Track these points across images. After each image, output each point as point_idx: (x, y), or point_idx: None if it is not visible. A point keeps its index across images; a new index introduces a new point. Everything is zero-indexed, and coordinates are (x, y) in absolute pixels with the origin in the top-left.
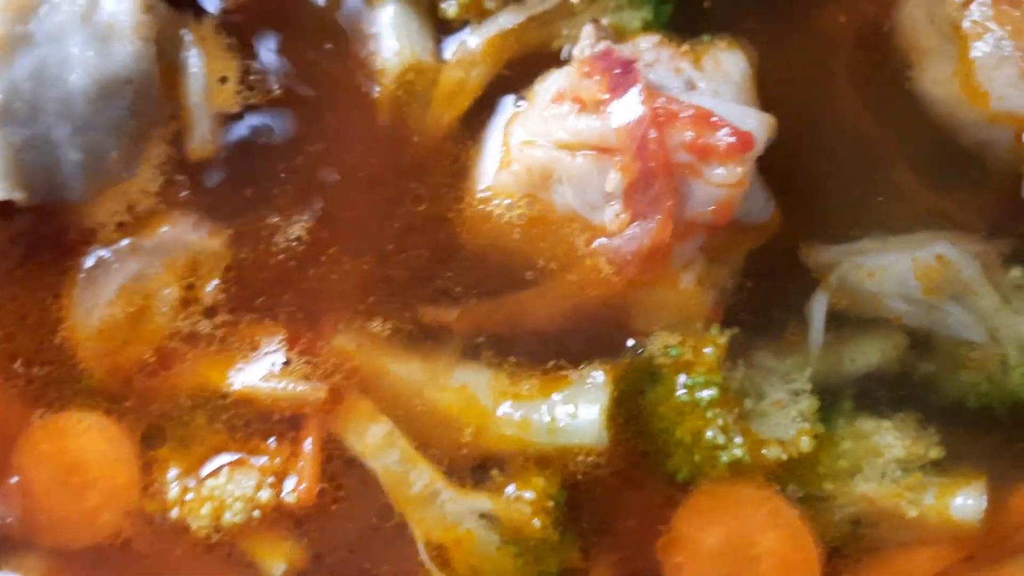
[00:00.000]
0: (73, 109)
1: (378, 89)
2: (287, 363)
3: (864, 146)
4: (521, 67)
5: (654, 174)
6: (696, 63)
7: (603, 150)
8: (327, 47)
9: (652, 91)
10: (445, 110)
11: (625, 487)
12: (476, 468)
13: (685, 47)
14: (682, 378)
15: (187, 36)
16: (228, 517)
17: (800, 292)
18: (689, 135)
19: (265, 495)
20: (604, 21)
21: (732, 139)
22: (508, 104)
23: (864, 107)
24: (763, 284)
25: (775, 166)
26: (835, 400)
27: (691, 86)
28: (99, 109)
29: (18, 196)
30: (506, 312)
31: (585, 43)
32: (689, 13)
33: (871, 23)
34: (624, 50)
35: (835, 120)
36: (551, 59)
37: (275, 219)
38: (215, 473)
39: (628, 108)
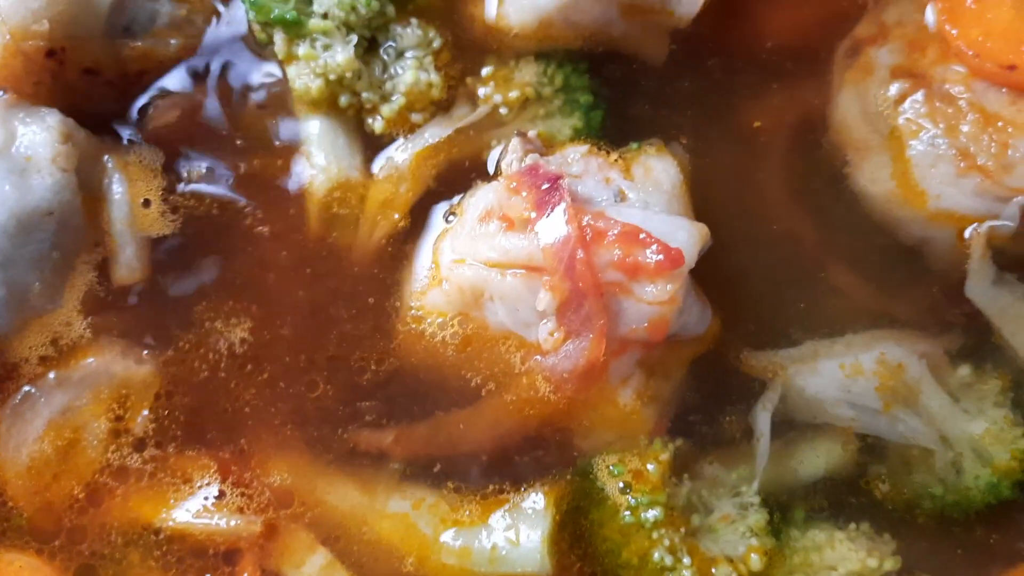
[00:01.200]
0: None
1: (307, 207)
2: (220, 496)
3: (802, 247)
4: (451, 179)
5: (583, 293)
6: (626, 172)
7: (532, 269)
8: (253, 164)
9: (578, 208)
10: (374, 226)
11: None
12: None
13: (615, 156)
14: (627, 498)
15: (108, 162)
16: None
17: (744, 399)
18: (617, 253)
19: None
20: (532, 133)
21: (660, 256)
22: (438, 219)
23: (800, 207)
24: (707, 394)
25: (711, 273)
26: (786, 509)
27: (621, 197)
28: (19, 244)
29: None
30: (444, 434)
31: (512, 156)
32: (619, 119)
33: (805, 122)
34: (551, 163)
35: (771, 222)
36: (481, 169)
37: (204, 344)
38: None
39: (554, 227)
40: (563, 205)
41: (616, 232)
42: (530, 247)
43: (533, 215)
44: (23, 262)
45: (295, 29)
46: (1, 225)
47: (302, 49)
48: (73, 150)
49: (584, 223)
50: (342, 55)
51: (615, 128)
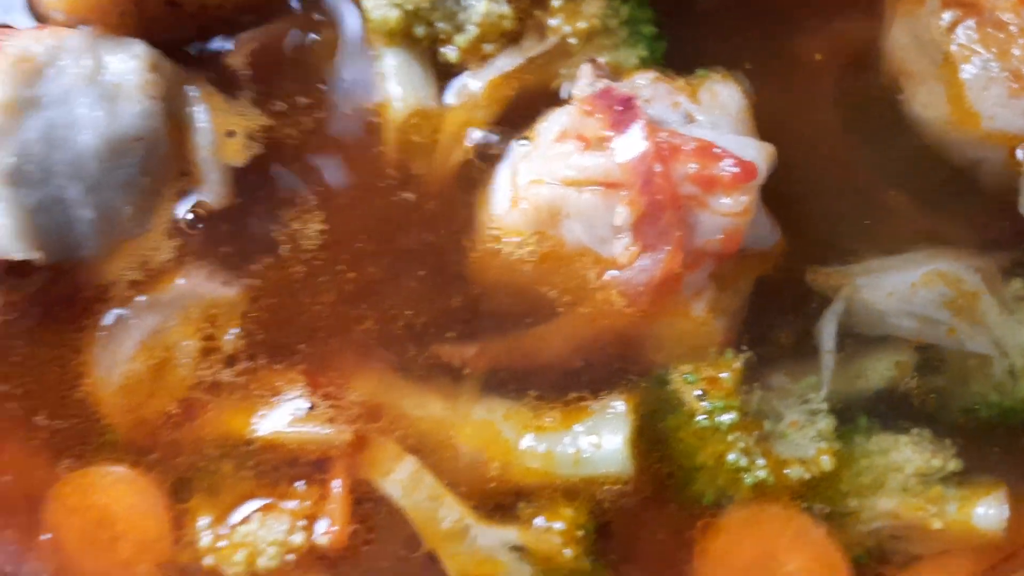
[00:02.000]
0: (84, 169)
1: (384, 135)
2: (312, 407)
3: (858, 170)
4: (521, 108)
5: (661, 207)
6: (693, 97)
7: (609, 185)
8: (331, 96)
9: (654, 126)
10: (450, 152)
11: (652, 513)
12: (503, 502)
13: (681, 82)
14: (702, 404)
15: (193, 92)
16: (262, 562)
17: (809, 314)
18: (693, 167)
19: (298, 539)
20: (601, 60)
21: (735, 169)
22: (511, 144)
23: (856, 133)
24: (772, 308)
25: (776, 194)
26: (851, 418)
27: (690, 119)
28: (110, 168)
29: (35, 256)
30: (522, 347)
31: (584, 82)
32: (682, 49)
33: (859, 52)
34: (623, 87)
35: (828, 146)
36: (550, 99)
37: (287, 265)
38: (247, 519)
39: (631, 144)
40: (640, 122)
41: (691, 147)
42: (608, 164)
43: (609, 134)
44: (113, 186)
45: None
46: (92, 149)
47: None
48: (160, 79)
49: (660, 139)
50: None
51: (677, 58)
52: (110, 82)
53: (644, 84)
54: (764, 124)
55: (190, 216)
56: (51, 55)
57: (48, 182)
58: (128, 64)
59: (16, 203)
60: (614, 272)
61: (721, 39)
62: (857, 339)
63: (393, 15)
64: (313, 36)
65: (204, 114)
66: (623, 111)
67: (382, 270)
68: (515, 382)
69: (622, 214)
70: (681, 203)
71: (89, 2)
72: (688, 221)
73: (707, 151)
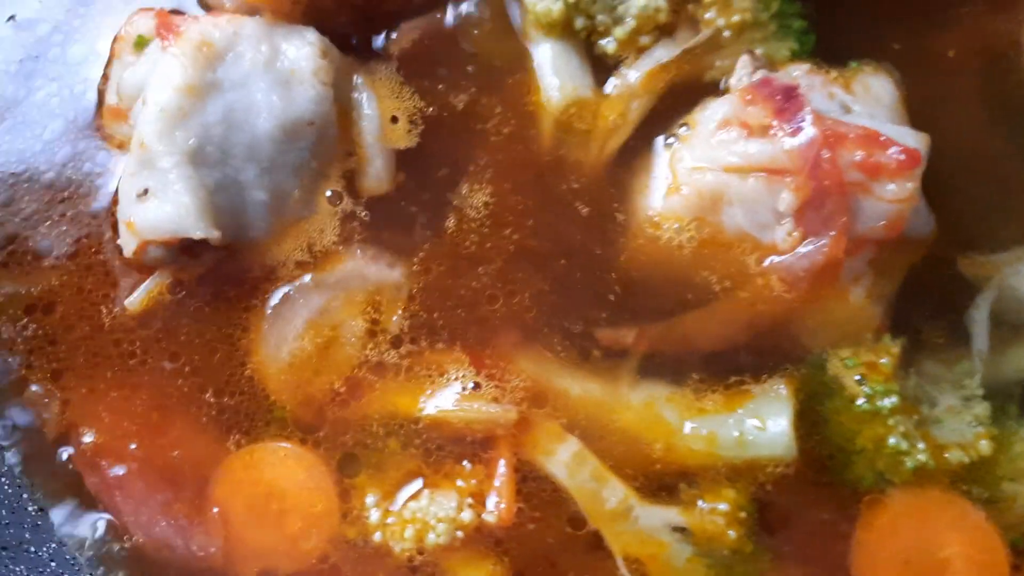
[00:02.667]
0: (259, 151)
1: (542, 123)
2: (477, 387)
3: (1007, 162)
4: (675, 97)
5: (827, 193)
6: (847, 88)
7: (774, 172)
8: (489, 84)
9: (819, 114)
10: (607, 141)
11: (812, 496)
12: (665, 483)
13: (834, 73)
14: (862, 388)
15: (358, 79)
16: (432, 538)
17: (961, 301)
18: (859, 155)
19: (466, 516)
20: (758, 52)
21: (901, 156)
22: (667, 133)
23: (1002, 124)
24: (925, 295)
25: (928, 183)
26: (1003, 404)
27: (846, 110)
28: (283, 151)
29: (214, 235)
30: (681, 331)
31: (742, 73)
32: (829, 43)
33: (1002, 47)
34: (782, 78)
35: (976, 138)
36: (702, 89)
37: (449, 249)
38: (415, 496)
39: (799, 131)
40: (807, 110)
41: (857, 135)
42: (774, 150)
43: (773, 122)
44: (285, 169)
45: None
46: (268, 132)
47: None
48: (331, 65)
49: (827, 126)
50: None
51: (826, 51)
52: (285, 68)
53: (799, 75)
54: (912, 116)
55: (353, 201)
56: (230, 41)
57: (226, 163)
58: (302, 51)
59: (198, 183)
60: (774, 258)
61: (867, 32)
62: (1007, 326)
63: (556, 7)
64: (472, 26)
65: (370, 101)
66: (786, 100)
67: (542, 255)
68: (674, 366)
69: (786, 200)
70: (847, 189)
71: None
72: (852, 207)
73: (872, 139)
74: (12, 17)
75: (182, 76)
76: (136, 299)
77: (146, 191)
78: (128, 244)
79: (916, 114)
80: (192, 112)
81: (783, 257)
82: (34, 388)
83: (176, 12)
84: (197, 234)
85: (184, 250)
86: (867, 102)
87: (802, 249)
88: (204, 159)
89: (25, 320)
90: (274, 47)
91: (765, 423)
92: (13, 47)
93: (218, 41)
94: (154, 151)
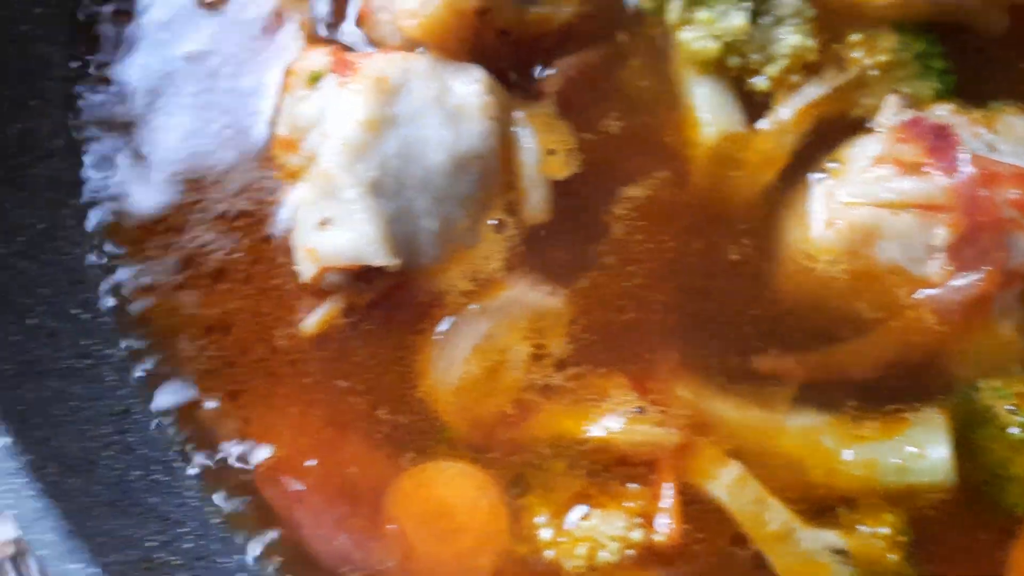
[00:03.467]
0: (431, 183)
1: (695, 157)
2: (641, 411)
3: None
4: (824, 133)
5: (982, 229)
6: (990, 128)
7: (929, 208)
8: (642, 119)
9: (974, 153)
10: (759, 174)
11: (968, 523)
12: (824, 506)
13: (977, 114)
14: (1014, 418)
15: (518, 114)
16: (603, 556)
17: None
18: (1014, 193)
19: (636, 535)
20: (905, 91)
21: None
22: (816, 168)
23: None
24: None
25: None
26: None
27: (992, 148)
28: (452, 182)
29: (393, 263)
30: (835, 360)
31: (891, 112)
32: (968, 84)
33: None
34: (931, 117)
35: None
36: (850, 126)
37: (607, 276)
38: (587, 515)
39: (954, 169)
40: (963, 148)
41: (1011, 172)
42: (929, 187)
43: (927, 160)
44: (454, 199)
45: None
46: (440, 165)
47: (702, 14)
48: (496, 101)
49: (982, 165)
50: (739, 20)
51: (965, 92)
52: (454, 104)
53: (944, 115)
54: None
55: (514, 230)
56: (404, 77)
57: (401, 194)
58: (470, 87)
59: (377, 212)
60: (926, 291)
61: (1005, 73)
62: None
63: (713, 46)
64: (625, 62)
65: (530, 135)
66: (939, 139)
67: (696, 284)
68: (831, 393)
69: (941, 235)
70: (1003, 226)
71: (437, 30)
72: (1006, 243)
73: None
74: (186, 52)
75: (364, 111)
76: (312, 322)
77: (328, 220)
78: (307, 270)
79: None
80: (372, 145)
81: (935, 290)
82: (212, 405)
83: (344, 47)
84: (378, 261)
85: (359, 276)
86: (1012, 141)
87: (955, 283)
88: (382, 190)
89: (205, 340)
90: (443, 84)
91: (924, 450)
92: (187, 80)
93: (393, 77)
94: (337, 182)
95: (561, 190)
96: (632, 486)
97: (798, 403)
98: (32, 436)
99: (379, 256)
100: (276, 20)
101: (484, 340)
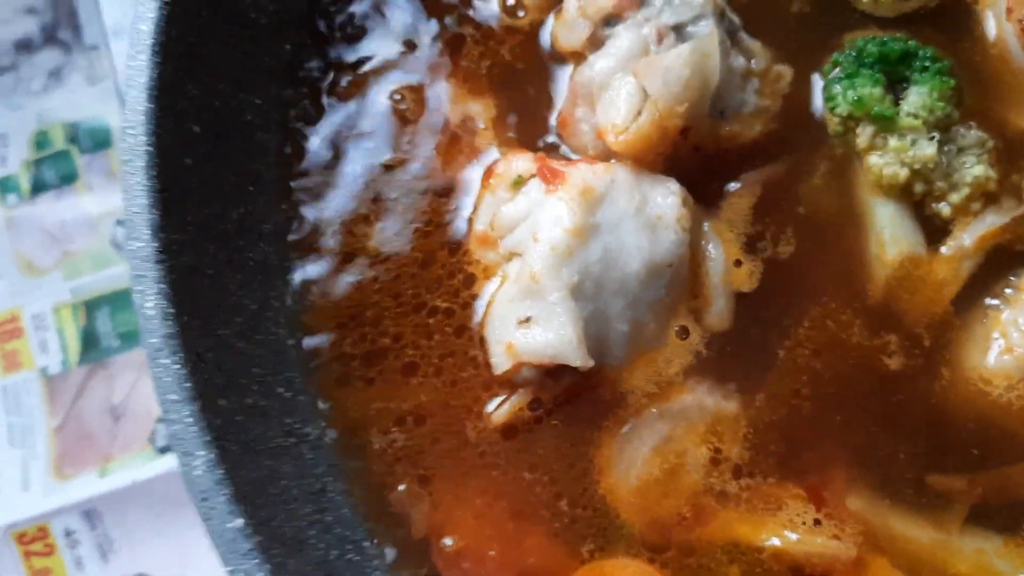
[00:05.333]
0: (626, 288)
1: (875, 276)
2: (817, 523)
3: None
4: (1000, 260)
5: None
6: None
7: None
8: (824, 237)
9: None
10: (936, 297)
11: None
12: None
13: None
14: None
15: (706, 225)
16: None
17: None
18: None
19: None
20: None
21: None
22: (993, 294)
23: None
24: None
25: None
26: None
27: None
28: (645, 288)
29: (588, 364)
30: (1009, 482)
31: None
32: None
33: None
34: None
35: None
36: (1018, 256)
37: (783, 387)
38: None
39: None
40: None
41: None
42: None
43: None
44: (644, 304)
45: (887, 124)
46: (636, 271)
47: (893, 142)
48: (689, 213)
49: None
50: (928, 149)
51: None
52: (653, 214)
53: None
54: None
55: (696, 336)
56: (608, 188)
57: (598, 298)
58: (667, 200)
59: (577, 315)
60: None
61: None
62: None
63: (903, 173)
64: (810, 180)
65: (716, 245)
66: None
67: (871, 399)
68: (1005, 516)
69: None
70: None
71: (640, 146)
72: None
73: None
74: (385, 163)
75: (571, 219)
76: (501, 413)
77: (529, 319)
78: (502, 363)
79: None
80: (577, 251)
81: None
82: (402, 490)
83: (550, 155)
84: (576, 362)
85: (549, 372)
86: None
87: None
88: (582, 293)
89: (396, 430)
90: (643, 194)
91: None
92: (385, 187)
93: (598, 187)
94: (543, 284)
95: (744, 301)
96: None
97: (970, 524)
98: (258, 516)
99: (576, 357)
100: (464, 125)
101: (664, 442)
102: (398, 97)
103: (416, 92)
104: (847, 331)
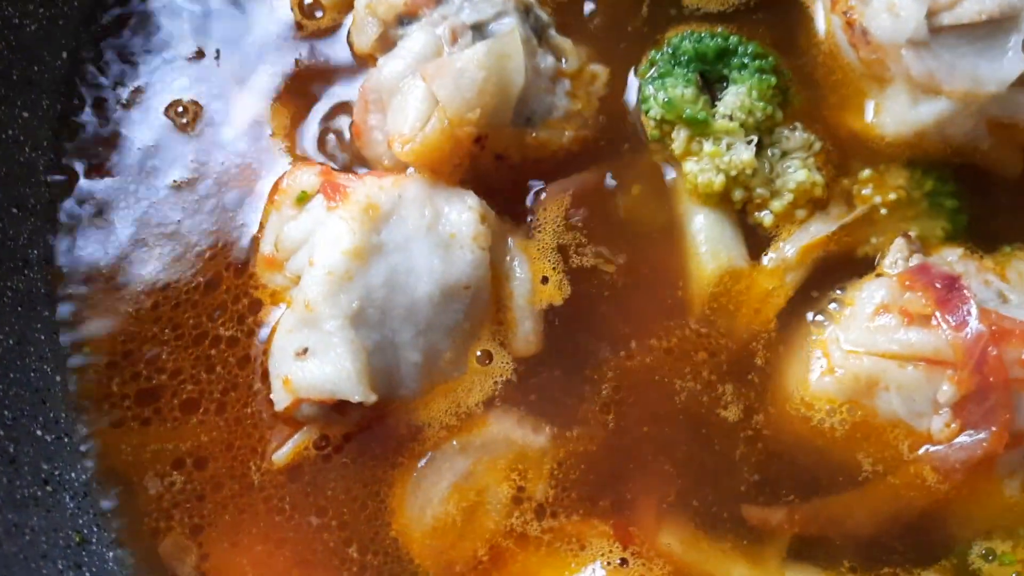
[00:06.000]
0: (417, 313)
1: (693, 291)
2: (623, 563)
3: None
4: (827, 272)
5: (991, 388)
6: (1002, 275)
7: (935, 362)
8: (640, 249)
9: (984, 308)
10: (757, 312)
11: None
12: None
13: (988, 260)
14: None
15: (511, 242)
16: None
17: None
18: None
19: None
20: (912, 234)
21: None
22: (819, 309)
23: None
24: None
25: None
26: None
27: (1003, 298)
28: (439, 313)
29: (371, 399)
30: (830, 513)
31: (898, 256)
32: (980, 225)
33: None
34: (939, 264)
35: None
36: (856, 265)
37: (593, 417)
38: None
39: (963, 324)
40: (973, 303)
41: (1022, 330)
42: (937, 342)
43: (936, 312)
44: (439, 330)
45: (701, 128)
46: (427, 295)
47: (708, 146)
48: (489, 230)
49: (992, 321)
50: (746, 154)
51: (976, 234)
52: (446, 232)
53: (953, 260)
54: None
55: (501, 363)
56: (395, 204)
57: (384, 325)
58: (463, 216)
59: (359, 345)
60: (929, 447)
61: (1016, 215)
62: None
63: (718, 179)
64: (624, 189)
65: (521, 263)
66: (948, 291)
67: (688, 427)
68: (825, 550)
69: (947, 392)
70: (1011, 386)
71: (431, 156)
72: (1013, 404)
73: None
74: (174, 181)
75: (350, 240)
76: (283, 453)
77: (306, 350)
78: (281, 400)
79: None
80: (357, 275)
81: (938, 447)
82: (168, 540)
83: (336, 169)
84: (356, 398)
85: (334, 407)
86: (1022, 291)
87: (959, 441)
88: (365, 320)
89: (173, 475)
90: (436, 210)
91: None
92: (174, 208)
93: (383, 204)
94: (319, 313)
95: (553, 321)
96: None
97: (790, 559)
98: None
99: (356, 392)
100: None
101: (463, 478)
102: (181, 110)
103: (199, 105)
104: (665, 355)
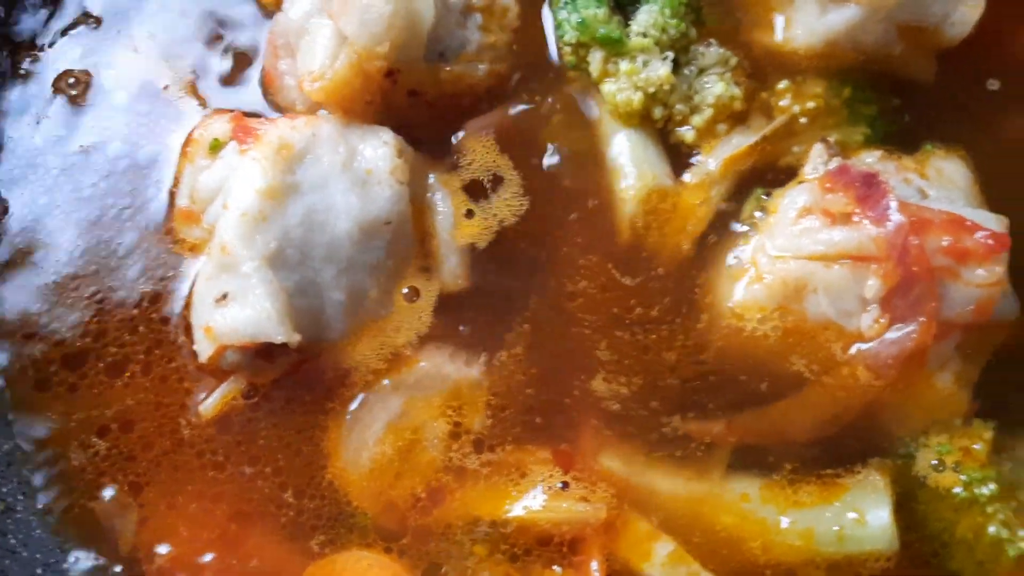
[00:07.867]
0: (338, 252)
1: (621, 212)
2: (565, 486)
3: None
4: (751, 184)
5: (915, 279)
6: (921, 173)
7: (860, 259)
8: (562, 177)
9: (903, 201)
10: (687, 228)
11: None
12: None
13: (907, 159)
14: (957, 476)
15: (432, 177)
16: None
17: None
18: (946, 240)
19: None
20: (831, 139)
21: (989, 241)
22: (743, 220)
23: None
24: (1012, 378)
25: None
26: None
27: (923, 194)
28: (360, 251)
29: (295, 339)
30: (768, 422)
31: (818, 161)
32: (898, 129)
33: None
34: (859, 165)
35: None
36: (779, 174)
37: (526, 346)
38: None
39: (883, 218)
40: (892, 196)
41: (943, 219)
42: (860, 237)
43: (856, 209)
44: (362, 268)
45: (616, 47)
46: (347, 233)
47: (624, 65)
48: (406, 164)
49: (912, 212)
50: (662, 69)
51: (895, 137)
52: (362, 168)
53: (872, 161)
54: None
55: (428, 299)
56: (308, 143)
57: (305, 265)
58: (379, 151)
59: (278, 286)
60: (860, 345)
61: (933, 118)
62: None
63: (636, 97)
64: (544, 117)
65: (443, 197)
66: (868, 187)
67: (623, 347)
68: (764, 457)
69: (873, 287)
70: (935, 275)
71: (342, 93)
72: (939, 293)
73: (959, 224)
74: (81, 146)
75: (263, 179)
76: (210, 404)
77: (225, 295)
78: (205, 349)
79: (990, 197)
80: (273, 215)
81: (869, 344)
82: (108, 499)
83: (251, 114)
84: (278, 339)
85: (260, 354)
86: (942, 186)
87: (889, 336)
88: (284, 262)
89: (97, 440)
90: (351, 148)
91: (864, 516)
92: (85, 172)
93: (297, 143)
94: (235, 255)
95: (482, 255)
96: (557, 569)
97: (732, 469)
98: None
99: (278, 333)
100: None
101: (398, 418)
102: (72, 81)
103: (96, 68)
104: (596, 278)
